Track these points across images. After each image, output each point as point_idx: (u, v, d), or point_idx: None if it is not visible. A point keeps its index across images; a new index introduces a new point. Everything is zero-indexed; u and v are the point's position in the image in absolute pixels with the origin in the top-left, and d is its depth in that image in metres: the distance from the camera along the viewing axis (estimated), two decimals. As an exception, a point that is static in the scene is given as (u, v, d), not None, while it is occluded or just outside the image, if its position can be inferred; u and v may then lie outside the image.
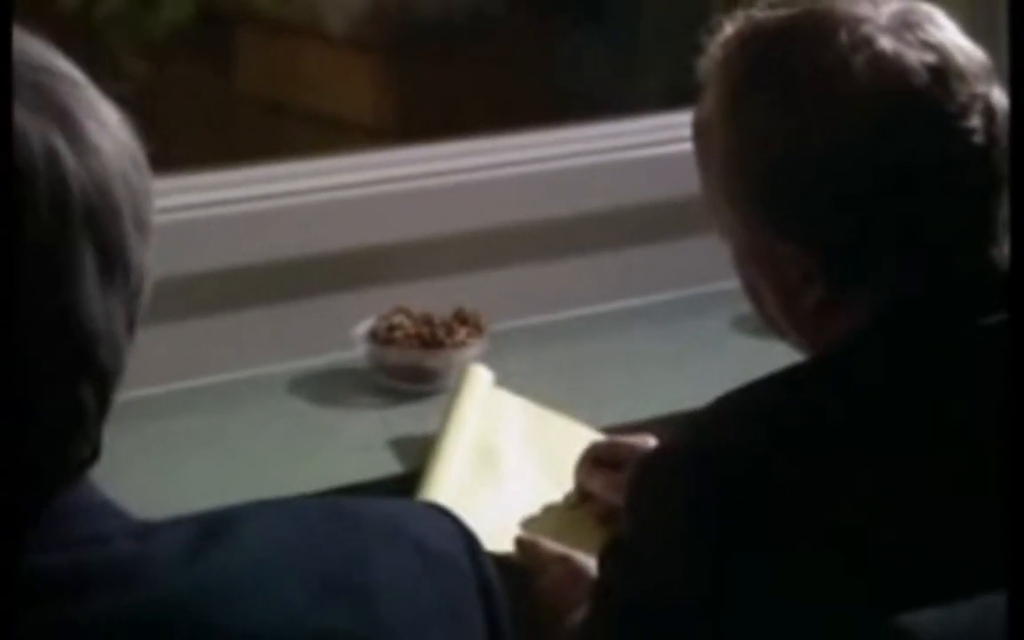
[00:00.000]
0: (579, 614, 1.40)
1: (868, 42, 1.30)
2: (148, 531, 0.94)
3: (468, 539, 1.06)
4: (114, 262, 0.92)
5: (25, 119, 0.89)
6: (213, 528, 0.96)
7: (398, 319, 1.95)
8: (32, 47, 0.93)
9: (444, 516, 1.08)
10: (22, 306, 0.88)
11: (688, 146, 1.44)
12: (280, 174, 2.05)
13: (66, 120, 0.91)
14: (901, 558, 1.22)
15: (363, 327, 1.94)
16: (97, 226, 0.91)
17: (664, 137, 2.17)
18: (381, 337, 1.93)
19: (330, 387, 1.94)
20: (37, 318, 0.89)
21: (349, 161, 2.11)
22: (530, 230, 2.15)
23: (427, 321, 1.95)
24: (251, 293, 1.98)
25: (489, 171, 2.15)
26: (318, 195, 2.04)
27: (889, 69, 1.29)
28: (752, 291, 1.39)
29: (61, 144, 0.90)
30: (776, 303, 1.36)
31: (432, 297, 2.00)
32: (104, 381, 0.93)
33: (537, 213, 2.15)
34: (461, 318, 1.97)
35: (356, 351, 1.94)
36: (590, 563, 1.50)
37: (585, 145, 2.22)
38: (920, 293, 1.30)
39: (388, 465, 1.77)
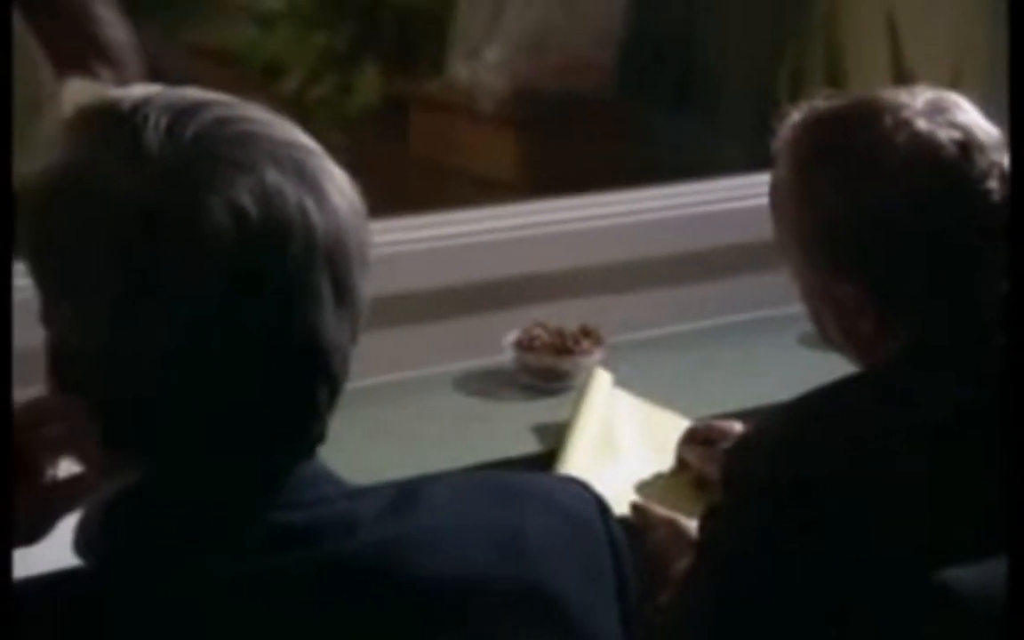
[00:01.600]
0: (682, 564, 1.40)
1: (907, 124, 1.29)
2: (358, 494, 0.95)
3: (600, 504, 1.05)
4: (344, 292, 0.92)
5: (284, 184, 0.89)
6: (406, 493, 0.97)
7: (537, 332, 1.96)
8: (288, 128, 0.93)
9: (580, 485, 1.07)
10: (279, 327, 0.89)
11: (761, 201, 1.43)
12: (445, 221, 2.06)
13: (313, 185, 0.91)
14: (934, 527, 1.20)
15: (510, 338, 1.95)
16: (334, 265, 0.91)
17: (743, 194, 2.16)
18: (524, 345, 1.94)
19: (485, 384, 1.94)
20: (291, 335, 0.90)
21: (498, 211, 2.12)
22: (639, 265, 2.14)
23: (559, 334, 1.95)
24: (425, 311, 1.99)
25: (605, 219, 2.15)
26: (474, 237, 2.05)
27: (925, 145, 1.28)
28: (816, 318, 1.38)
29: (310, 204, 0.90)
30: (836, 328, 1.35)
31: (563, 315, 2.00)
32: (335, 382, 0.94)
33: (644, 252, 2.15)
34: (585, 332, 1.97)
35: (505, 356, 1.94)
36: (691, 525, 1.49)
37: (680, 199, 2.21)
38: (950, 320, 1.28)
39: (530, 445, 1.78)
